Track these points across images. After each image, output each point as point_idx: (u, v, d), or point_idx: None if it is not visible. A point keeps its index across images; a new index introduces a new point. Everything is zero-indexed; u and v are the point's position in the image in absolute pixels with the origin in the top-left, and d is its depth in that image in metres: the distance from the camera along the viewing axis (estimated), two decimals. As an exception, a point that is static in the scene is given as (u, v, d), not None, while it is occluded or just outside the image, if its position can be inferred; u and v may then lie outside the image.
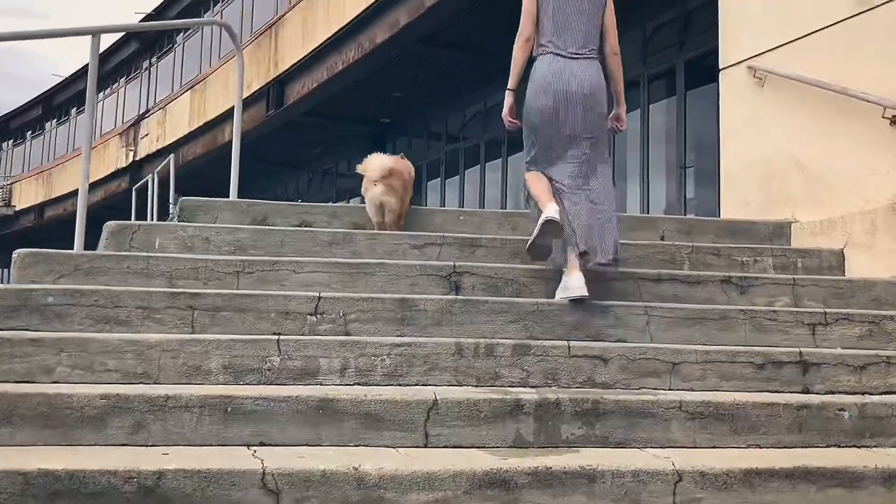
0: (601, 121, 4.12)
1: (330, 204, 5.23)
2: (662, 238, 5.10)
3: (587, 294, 3.83)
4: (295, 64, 14.52)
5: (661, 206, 10.39)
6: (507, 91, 4.22)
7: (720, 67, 5.95)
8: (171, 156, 10.56)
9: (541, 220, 3.90)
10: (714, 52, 9.38)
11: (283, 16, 15.53)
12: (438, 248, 4.54)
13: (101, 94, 26.54)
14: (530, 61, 4.17)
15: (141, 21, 22.54)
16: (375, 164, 4.67)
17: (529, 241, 4.04)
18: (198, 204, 4.79)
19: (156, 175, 10.48)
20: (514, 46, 4.15)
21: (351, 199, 18.67)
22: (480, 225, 5.00)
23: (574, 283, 3.87)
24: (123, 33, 23.58)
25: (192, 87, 19.72)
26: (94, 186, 25.40)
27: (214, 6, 19.68)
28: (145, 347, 3.26)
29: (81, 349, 3.23)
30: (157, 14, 22.12)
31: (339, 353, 3.39)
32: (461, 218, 5.01)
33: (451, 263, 4.19)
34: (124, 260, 3.95)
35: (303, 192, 21.06)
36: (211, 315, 3.61)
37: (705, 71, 9.65)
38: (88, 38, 4.89)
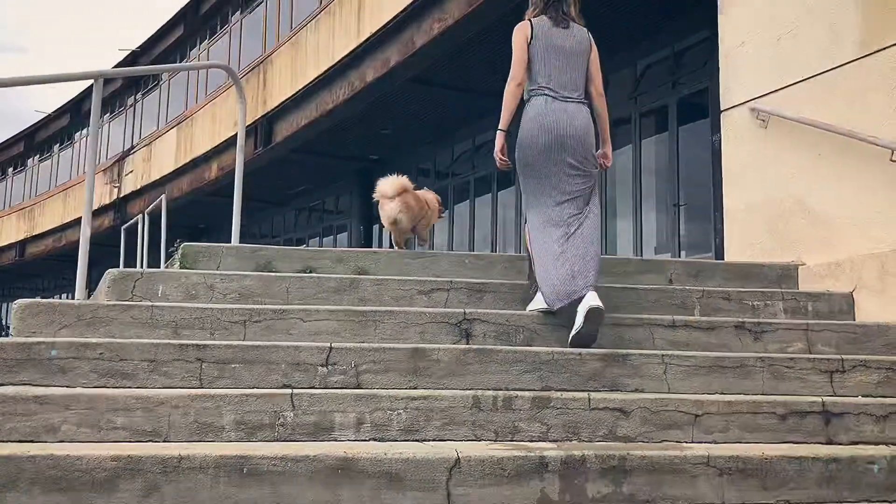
0: (591, 158, 4.31)
1: (335, 248, 5.15)
2: (671, 281, 5.05)
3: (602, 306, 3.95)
4: (284, 102, 14.49)
5: (654, 243, 10.38)
6: (498, 131, 4.34)
7: (721, 109, 5.94)
8: (163, 196, 10.44)
9: (544, 306, 4.11)
10: (706, 91, 9.49)
11: (270, 54, 15.52)
12: (446, 293, 4.46)
13: (85, 130, 26.43)
14: (521, 103, 4.33)
15: (126, 57, 22.58)
16: (390, 182, 4.94)
17: (535, 308, 4.21)
18: (200, 249, 4.70)
19: (146, 215, 10.34)
20: (506, 90, 4.30)
21: (338, 233, 18.60)
22: (487, 269, 4.92)
23: (590, 297, 3.99)
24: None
25: (178, 124, 19.64)
26: (78, 223, 25.20)
27: (200, 43, 19.68)
28: (154, 404, 3.15)
29: (88, 406, 3.11)
30: (142, 52, 22.11)
31: (353, 408, 3.29)
32: (467, 261, 4.94)
33: (462, 311, 4.11)
34: (128, 310, 3.84)
35: (289, 228, 20.96)
36: (220, 367, 3.50)
37: (698, 109, 9.72)
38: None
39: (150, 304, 3.97)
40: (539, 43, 4.26)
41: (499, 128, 4.32)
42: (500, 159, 4.37)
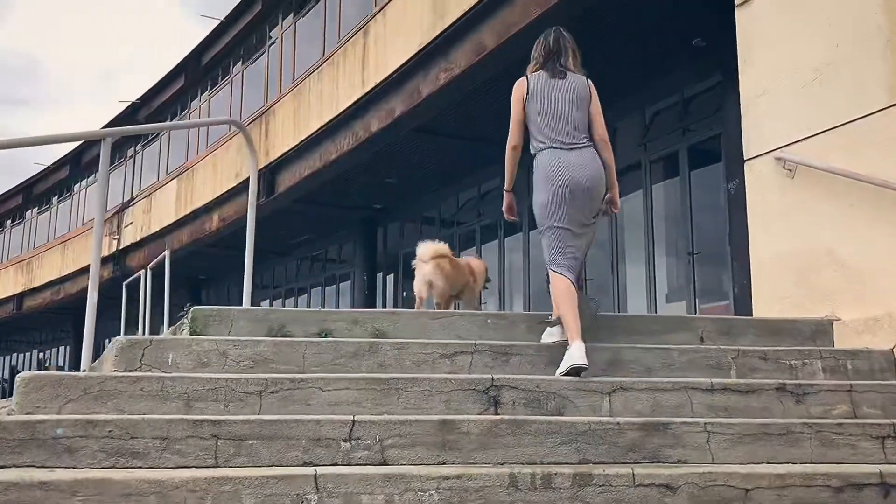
0: (599, 205, 4.45)
1: (350, 310, 4.97)
2: (702, 340, 4.84)
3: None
4: (287, 152, 14.38)
5: (666, 291, 10.18)
6: (504, 192, 4.64)
7: (745, 158, 5.79)
8: (167, 251, 10.24)
9: (570, 363, 3.99)
10: (718, 138, 9.38)
11: (273, 105, 15.46)
12: (470, 356, 4.25)
13: (84, 181, 26.37)
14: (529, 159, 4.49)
15: (126, 109, 22.57)
16: (428, 246, 5.05)
17: (561, 370, 4.05)
18: (210, 313, 4.49)
19: (148, 271, 10.15)
20: (506, 153, 4.50)
21: (341, 282, 18.39)
22: (509, 329, 4.72)
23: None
24: (114, 120, 23.56)
25: (178, 175, 19.54)
26: (76, 275, 24.97)
27: (201, 94, 19.67)
28: (169, 488, 2.92)
29: (98, 492, 2.88)
30: (142, 103, 22.10)
31: (381, 489, 3.06)
32: (489, 322, 4.73)
33: (489, 376, 3.90)
34: (137, 381, 3.62)
35: (290, 278, 20.77)
36: (236, 444, 3.28)
37: (710, 156, 9.60)
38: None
39: (160, 374, 3.75)
40: (535, 97, 4.37)
41: (504, 188, 4.62)
42: (510, 217, 4.67)
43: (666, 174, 10.40)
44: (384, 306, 16.66)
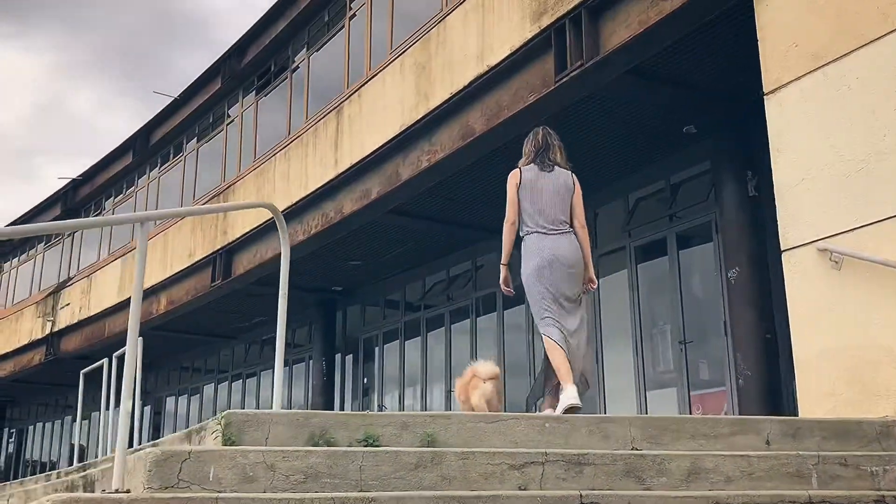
0: (580, 281, 5.06)
1: (398, 413, 4.55)
2: (768, 443, 4.52)
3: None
4: (247, 232, 13.87)
5: (659, 382, 9.93)
6: (501, 266, 5.15)
7: (783, 248, 5.61)
8: (140, 339, 9.51)
9: (566, 404, 4.74)
10: (709, 225, 9.31)
11: (233, 183, 14.99)
12: (541, 467, 3.84)
13: (17, 259, 25.19)
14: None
15: (67, 185, 21.74)
16: (488, 367, 5.09)
17: (559, 411, 4.76)
18: (246, 418, 3.99)
19: (113, 359, 9.43)
20: (503, 229, 5.08)
21: (294, 365, 17.70)
22: (570, 434, 4.33)
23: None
24: (53, 197, 22.71)
25: (123, 255, 18.74)
26: (3, 358, 23.58)
27: (150, 171, 19.05)
28: None
29: None
30: (84, 180, 21.35)
31: None
32: (547, 425, 4.34)
33: (576, 492, 3.51)
34: (182, 504, 3.12)
35: (238, 362, 19.94)
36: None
37: (701, 243, 9.50)
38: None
39: (203, 493, 3.26)
40: (527, 188, 5.05)
41: (501, 262, 5.13)
42: (506, 290, 5.16)
43: (652, 261, 10.26)
44: (343, 392, 16.04)
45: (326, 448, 3.75)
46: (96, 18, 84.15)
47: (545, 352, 4.99)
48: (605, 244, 10.74)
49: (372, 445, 4.04)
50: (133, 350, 3.83)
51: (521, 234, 5.07)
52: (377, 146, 10.85)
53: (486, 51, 9.02)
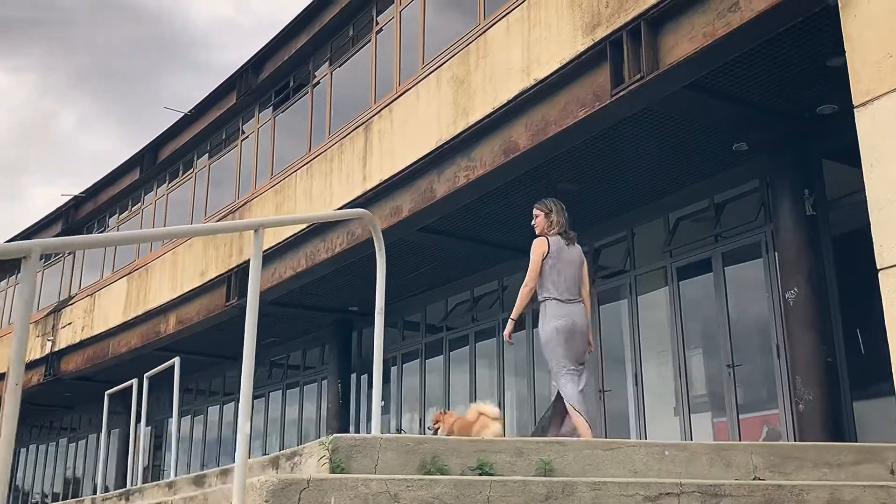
0: (586, 343, 5.63)
1: (510, 439, 4.24)
2: (893, 472, 4.27)
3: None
4: (266, 250, 13.54)
5: (701, 405, 9.66)
6: (510, 319, 5.67)
7: (879, 267, 5.35)
8: (177, 359, 9.20)
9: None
10: (758, 245, 9.08)
11: (249, 199, 14.68)
12: (676, 498, 3.57)
13: (13, 277, 24.67)
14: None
15: (69, 202, 21.36)
16: (494, 408, 5.39)
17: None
18: (354, 443, 3.69)
19: (146, 379, 9.08)
20: (521, 292, 5.61)
21: (305, 385, 17.33)
22: (691, 461, 4.06)
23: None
24: (54, 214, 22.31)
25: (129, 273, 18.34)
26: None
27: (158, 188, 18.69)
28: None
29: None
30: (87, 197, 20.97)
31: None
32: (666, 454, 4.06)
33: (732, 527, 3.22)
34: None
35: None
36: None
37: (750, 262, 9.27)
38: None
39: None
40: (552, 258, 5.57)
41: (510, 317, 5.66)
42: (508, 341, 5.69)
43: (696, 281, 10.02)
44: (358, 414, 15.65)
45: (452, 477, 3.47)
46: (78, 38, 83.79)
47: (556, 394, 5.50)
48: (643, 264, 10.51)
49: (486, 473, 3.76)
50: (249, 364, 3.53)
51: (539, 297, 5.59)
52: (410, 162, 10.59)
53: (533, 64, 8.79)
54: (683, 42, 7.29)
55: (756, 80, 7.78)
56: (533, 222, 5.75)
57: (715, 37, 7.01)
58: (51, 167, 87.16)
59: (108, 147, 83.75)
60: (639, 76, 7.51)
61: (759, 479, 4.05)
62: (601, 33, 7.99)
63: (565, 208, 5.74)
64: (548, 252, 5.55)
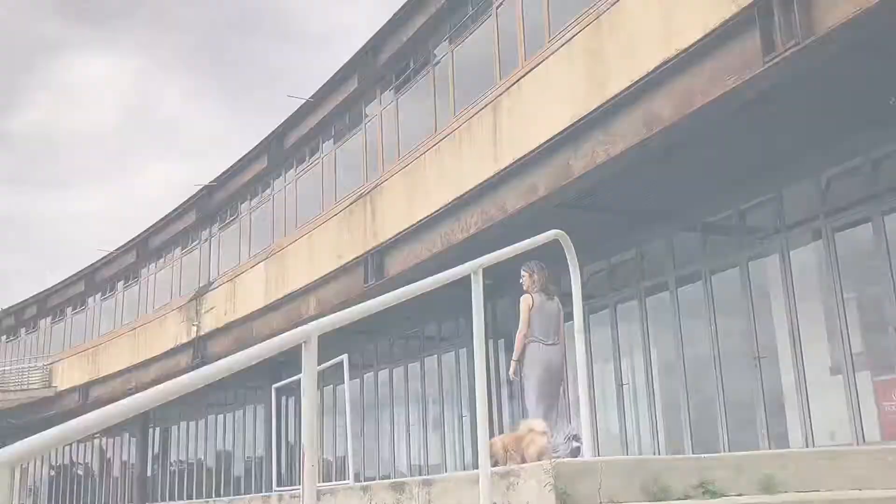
0: (561, 380, 7.00)
1: (729, 454, 4.26)
2: None
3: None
4: (399, 233, 13.77)
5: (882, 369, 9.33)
6: (512, 361, 6.95)
7: None
8: (345, 355, 9.52)
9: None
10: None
11: (380, 183, 14.89)
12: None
13: (154, 265, 25.91)
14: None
15: (200, 191, 22.17)
16: (541, 422, 5.72)
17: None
18: (576, 469, 3.76)
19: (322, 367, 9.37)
20: (517, 338, 6.86)
21: (443, 353, 17.59)
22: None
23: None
24: (187, 203, 23.19)
25: (266, 258, 18.99)
26: (148, 363, 24.31)
27: (286, 174, 19.20)
28: None
29: None
30: (218, 185, 21.70)
31: None
32: (889, 459, 3.97)
33: None
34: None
35: (382, 356, 19.86)
36: None
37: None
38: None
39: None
40: (536, 309, 6.87)
41: (513, 359, 6.92)
42: (513, 377, 6.95)
43: (853, 241, 9.65)
44: (499, 386, 15.81)
45: (693, 501, 3.48)
46: (179, 17, 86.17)
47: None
48: (793, 218, 10.21)
49: (709, 491, 3.76)
50: (482, 372, 3.62)
51: (525, 341, 6.83)
52: (544, 139, 10.51)
53: (674, 33, 8.55)
54: (842, 3, 6.94)
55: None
56: (521, 280, 6.97)
57: (876, -4, 6.64)
58: (161, 145, 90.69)
59: (215, 123, 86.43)
60: (794, 42, 7.20)
61: None
62: (747, -1, 7.69)
63: (545, 267, 6.93)
64: (532, 305, 6.86)
